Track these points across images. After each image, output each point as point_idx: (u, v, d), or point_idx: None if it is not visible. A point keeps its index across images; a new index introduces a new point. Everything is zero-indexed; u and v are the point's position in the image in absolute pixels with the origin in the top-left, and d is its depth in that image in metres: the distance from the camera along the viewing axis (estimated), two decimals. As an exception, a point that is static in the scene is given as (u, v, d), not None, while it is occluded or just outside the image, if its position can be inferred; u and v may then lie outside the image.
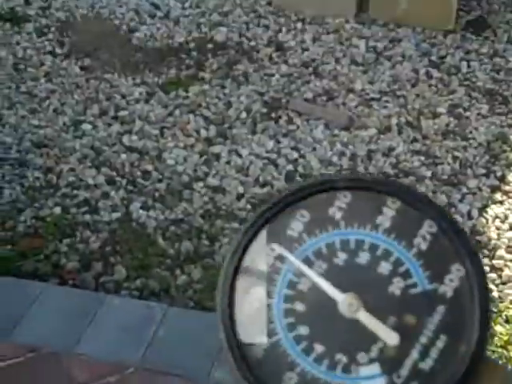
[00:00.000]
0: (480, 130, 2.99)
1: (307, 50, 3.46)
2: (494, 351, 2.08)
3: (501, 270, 2.37)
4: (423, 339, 0.66)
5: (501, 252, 2.43)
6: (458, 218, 2.55)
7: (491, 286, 2.31)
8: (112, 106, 3.11)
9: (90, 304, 2.13)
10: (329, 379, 0.66)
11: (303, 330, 0.67)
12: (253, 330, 0.68)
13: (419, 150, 2.89)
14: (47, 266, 2.37)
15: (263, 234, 0.70)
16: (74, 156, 2.84)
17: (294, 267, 0.69)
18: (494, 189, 2.71)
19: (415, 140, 2.94)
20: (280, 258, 0.69)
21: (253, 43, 3.51)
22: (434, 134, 2.97)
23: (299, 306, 0.68)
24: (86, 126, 3.00)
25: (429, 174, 2.77)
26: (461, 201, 2.66)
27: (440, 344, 0.66)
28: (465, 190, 2.71)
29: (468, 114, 3.08)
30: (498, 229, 2.54)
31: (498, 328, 2.15)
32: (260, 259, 0.70)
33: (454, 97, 3.17)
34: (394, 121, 3.03)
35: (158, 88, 3.22)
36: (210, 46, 3.50)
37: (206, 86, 3.22)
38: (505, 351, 2.08)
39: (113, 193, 2.68)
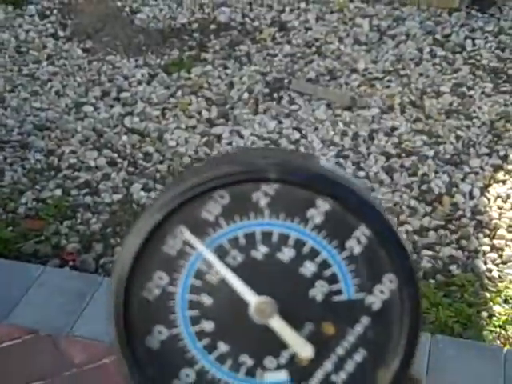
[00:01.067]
0: (484, 108, 2.97)
1: (310, 29, 3.44)
2: (491, 331, 2.07)
3: (501, 249, 2.36)
4: (340, 351, 0.61)
5: (502, 231, 2.42)
6: (460, 198, 2.54)
7: (491, 265, 2.30)
8: (114, 88, 3.11)
9: (88, 286, 2.13)
10: (230, 381, 0.61)
11: (207, 326, 0.61)
12: (150, 319, 0.61)
13: (422, 129, 2.87)
14: (47, 247, 2.37)
15: (177, 213, 0.61)
16: (76, 138, 2.84)
17: (203, 256, 0.61)
18: (497, 168, 2.69)
19: (418, 119, 2.92)
20: (189, 243, 0.61)
21: (256, 23, 3.49)
22: (437, 113, 2.95)
23: (206, 299, 0.61)
24: (88, 108, 3.00)
25: (431, 153, 2.75)
26: (463, 180, 2.64)
27: (358, 358, 0.61)
28: (467, 169, 2.69)
29: (472, 92, 3.05)
30: (499, 208, 2.52)
31: (497, 308, 2.14)
32: (168, 241, 0.61)
33: (458, 75, 3.14)
34: (396, 100, 3.01)
35: (160, 69, 3.21)
36: (212, 26, 3.48)
37: (209, 67, 3.21)
38: (503, 331, 2.07)
39: (114, 174, 2.68)
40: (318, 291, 0.61)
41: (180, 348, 0.61)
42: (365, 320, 0.61)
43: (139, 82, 3.14)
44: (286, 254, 0.60)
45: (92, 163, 2.73)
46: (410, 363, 0.60)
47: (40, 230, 2.44)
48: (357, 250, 0.60)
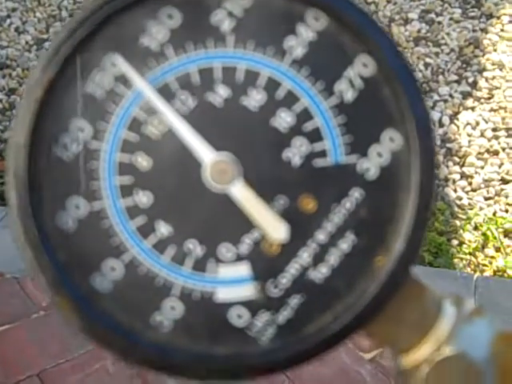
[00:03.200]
0: (452, 35, 2.92)
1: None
2: (462, 258, 2.07)
3: (471, 177, 2.35)
4: (320, 236, 0.45)
5: (471, 159, 2.40)
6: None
7: (461, 193, 2.29)
8: (76, 23, 3.03)
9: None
10: (171, 277, 0.45)
11: (143, 198, 0.45)
12: (64, 188, 0.45)
13: (390, 57, 2.83)
14: (11, 188, 2.33)
15: (102, 37, 0.45)
16: (38, 76, 2.77)
17: (143, 97, 0.45)
18: (466, 95, 2.66)
19: (386, 48, 2.87)
20: (123, 79, 0.45)
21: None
22: (405, 40, 2.90)
23: (142, 160, 0.45)
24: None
25: (400, 82, 2.72)
26: (432, 108, 2.61)
27: (344, 246, 0.45)
28: (436, 97, 2.66)
29: (440, 19, 3.01)
30: (469, 135, 2.50)
31: (467, 235, 2.14)
32: (93, 76, 0.45)
33: (426, 1, 3.09)
34: (364, 28, 2.96)
35: (123, 3, 3.13)
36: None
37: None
38: (473, 258, 2.07)
39: (77, 112, 2.63)
40: (295, 152, 0.45)
41: (104, 230, 0.45)
42: (356, 192, 0.45)
43: (101, 17, 3.07)
44: (254, 98, 0.45)
45: (55, 101, 2.67)
46: (417, 250, 0.45)
47: (3, 170, 2.39)
48: (349, 95, 0.45)
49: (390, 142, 0.45)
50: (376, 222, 0.45)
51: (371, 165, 0.45)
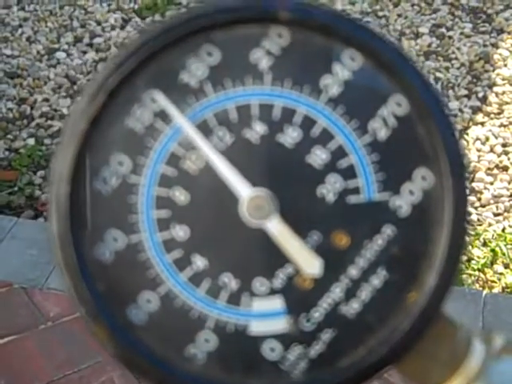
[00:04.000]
0: (463, 49, 2.92)
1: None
2: (470, 275, 2.06)
3: (480, 192, 2.34)
4: (353, 271, 0.45)
5: (481, 174, 2.40)
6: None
7: (470, 208, 2.27)
8: (87, 34, 3.04)
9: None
10: (205, 310, 0.45)
11: (180, 232, 0.45)
12: (103, 221, 0.46)
13: (400, 71, 2.83)
14: (21, 198, 2.33)
15: (144, 73, 0.46)
16: (48, 85, 2.78)
17: (182, 133, 0.45)
18: (476, 110, 2.66)
19: (396, 61, 2.87)
20: (162, 115, 0.46)
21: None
22: (415, 54, 2.90)
23: (180, 195, 0.45)
24: (61, 55, 2.93)
25: (410, 96, 2.72)
26: (442, 123, 2.61)
27: (376, 282, 0.45)
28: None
29: (451, 33, 3.01)
30: (478, 151, 2.50)
31: (476, 251, 2.13)
32: (130, 113, 0.46)
33: (437, 16, 3.10)
34: (375, 42, 2.96)
35: (134, 13, 3.14)
36: (186, -32, 3.40)
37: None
38: (481, 274, 2.06)
39: (88, 122, 2.63)
40: (330, 188, 0.45)
41: (141, 262, 0.45)
42: (388, 229, 0.45)
43: (112, 27, 3.08)
44: (290, 135, 0.45)
45: (65, 111, 2.67)
46: (449, 285, 0.45)
47: (13, 180, 2.40)
48: (383, 133, 0.45)
49: (421, 180, 0.45)
50: (408, 259, 0.46)
51: (403, 202, 0.45)
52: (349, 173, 0.45)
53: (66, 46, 2.98)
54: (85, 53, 2.95)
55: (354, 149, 0.45)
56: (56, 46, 2.98)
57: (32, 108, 2.69)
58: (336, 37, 0.46)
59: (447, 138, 0.45)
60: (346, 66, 0.46)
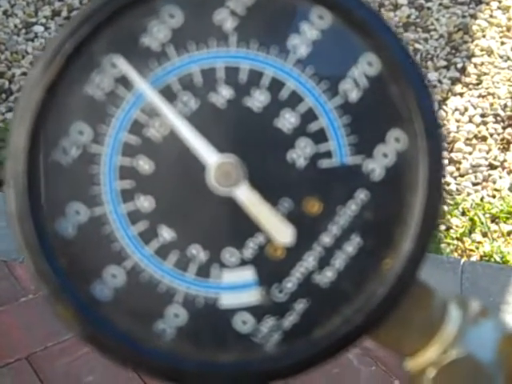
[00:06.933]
0: (441, 20, 2.93)
1: None
2: (449, 243, 2.08)
3: (459, 162, 2.36)
4: (326, 239, 0.44)
5: (459, 145, 2.41)
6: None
7: (449, 178, 2.30)
8: (65, 7, 3.02)
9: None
10: (174, 283, 0.44)
11: (145, 203, 0.44)
12: (64, 194, 0.44)
13: (379, 43, 2.83)
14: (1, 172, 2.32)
15: (102, 37, 0.43)
16: (26, 59, 2.77)
17: (145, 99, 0.44)
18: (454, 81, 2.67)
19: (375, 33, 2.87)
20: (123, 81, 0.43)
21: None
22: (394, 26, 2.90)
23: (144, 164, 0.44)
24: (39, 28, 2.91)
25: (389, 67, 2.72)
26: (421, 94, 2.62)
27: (350, 249, 0.44)
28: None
29: (429, 4, 3.01)
30: (457, 121, 2.51)
31: (454, 220, 2.15)
32: (90, 80, 0.44)
33: (416, -13, 3.10)
34: (354, 14, 2.96)
35: (112, -14, 3.12)
36: None
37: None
38: (460, 243, 2.08)
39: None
40: (300, 153, 0.44)
41: (105, 236, 0.44)
42: (362, 194, 0.44)
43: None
44: (258, 99, 0.44)
45: (44, 85, 2.66)
46: (425, 251, 0.44)
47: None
48: (354, 94, 0.44)
49: (395, 142, 0.44)
50: (383, 224, 0.44)
51: (377, 165, 0.44)
52: (319, 136, 0.44)
53: (43, 20, 2.95)
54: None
55: (325, 111, 0.44)
56: (33, 19, 2.96)
57: (10, 82, 2.67)
58: None
59: (421, 98, 0.43)
60: (315, 25, 0.44)
